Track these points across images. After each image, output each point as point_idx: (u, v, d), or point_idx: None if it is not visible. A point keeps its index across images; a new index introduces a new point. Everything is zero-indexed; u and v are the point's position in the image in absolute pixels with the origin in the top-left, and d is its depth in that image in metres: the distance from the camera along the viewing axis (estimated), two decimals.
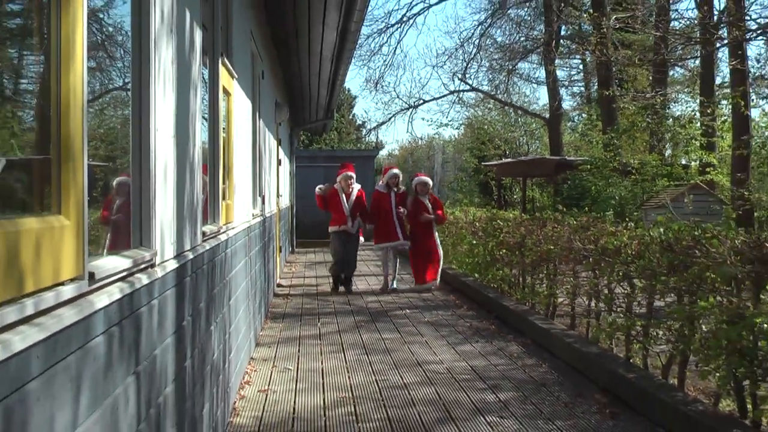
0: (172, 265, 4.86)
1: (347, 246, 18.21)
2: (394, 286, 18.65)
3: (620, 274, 10.01)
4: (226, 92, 8.84)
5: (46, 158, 2.90)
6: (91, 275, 3.22)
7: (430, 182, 19.14)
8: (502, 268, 15.87)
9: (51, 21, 2.90)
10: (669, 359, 8.73)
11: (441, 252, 18.82)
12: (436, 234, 18.79)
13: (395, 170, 19.13)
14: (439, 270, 18.78)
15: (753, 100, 32.93)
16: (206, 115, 7.51)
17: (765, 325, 6.84)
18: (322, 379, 9.86)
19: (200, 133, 6.39)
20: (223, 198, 8.39)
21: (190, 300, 5.53)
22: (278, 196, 20.46)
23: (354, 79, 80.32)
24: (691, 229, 8.98)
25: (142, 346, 4.02)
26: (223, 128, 8.60)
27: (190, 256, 5.55)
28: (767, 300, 7.14)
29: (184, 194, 5.43)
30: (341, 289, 18.64)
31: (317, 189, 18.68)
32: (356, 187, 18.78)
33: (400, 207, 18.36)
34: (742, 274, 7.31)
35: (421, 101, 46.81)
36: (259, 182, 13.64)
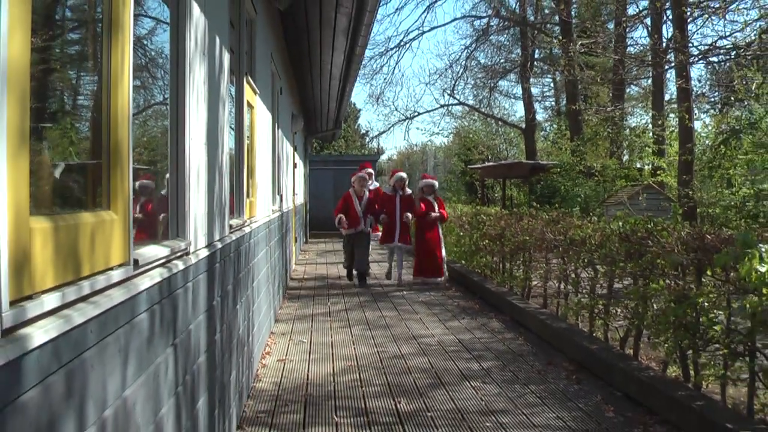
0: (204, 253, 4.88)
1: (358, 248, 16.59)
2: (402, 277, 17.06)
3: (585, 260, 10.04)
4: (250, 106, 8.86)
5: (98, 163, 2.93)
6: (136, 262, 3.24)
7: (436, 184, 17.25)
8: (485, 255, 15.89)
9: (103, 47, 2.93)
10: (626, 333, 8.75)
11: (444, 251, 16.91)
12: (441, 232, 16.90)
13: (402, 174, 17.36)
14: (444, 267, 16.77)
15: (696, 114, 32.91)
16: (233, 126, 7.52)
17: (705, 304, 6.87)
18: (332, 350, 9.88)
19: (228, 141, 6.41)
20: (247, 196, 8.40)
21: (219, 283, 5.55)
22: (294, 194, 20.44)
23: (359, 95, 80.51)
24: (645, 223, 9.01)
25: (178, 322, 4.04)
26: (247, 136, 8.62)
27: (219, 245, 5.57)
28: (707, 283, 7.16)
29: (213, 193, 5.46)
30: (355, 281, 17.13)
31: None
32: (374, 185, 17.88)
33: (406, 214, 16.53)
34: (687, 261, 7.33)
35: (416, 113, 46.71)
36: (278, 182, 13.65)
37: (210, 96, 5.31)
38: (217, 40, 5.74)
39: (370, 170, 17.87)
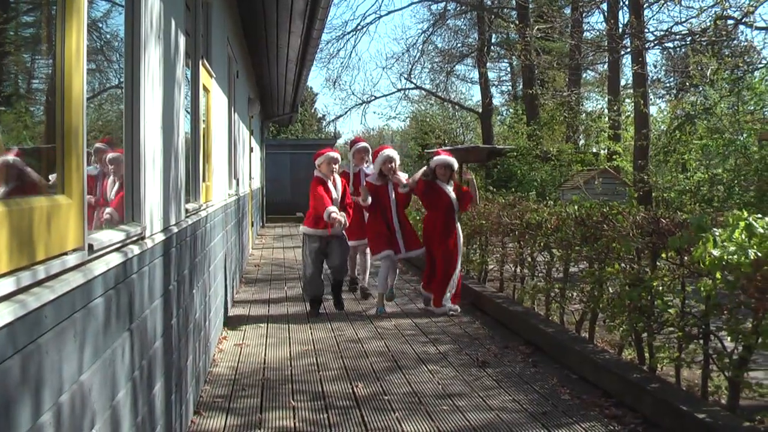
0: (160, 237, 4.87)
1: (331, 256, 11.55)
2: (382, 308, 11.48)
3: (541, 244, 10.10)
4: (206, 89, 8.82)
5: (52, 147, 2.92)
6: (90, 246, 3.23)
7: (456, 164, 11.66)
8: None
9: (57, 30, 2.91)
10: (581, 316, 8.82)
11: (459, 267, 11.60)
12: (460, 235, 11.58)
13: (389, 151, 11.94)
14: (458, 286, 11.62)
15: (651, 99, 33.18)
16: (189, 110, 7.49)
17: (660, 288, 6.94)
18: (288, 334, 9.88)
19: (183, 125, 6.38)
20: (203, 180, 8.37)
21: (175, 267, 5.53)
22: (251, 178, 20.36)
23: (315, 79, 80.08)
24: (600, 207, 9.07)
25: (135, 306, 4.03)
26: (203, 120, 8.59)
27: (175, 230, 5.55)
28: (662, 267, 7.23)
29: (169, 177, 5.43)
30: (326, 309, 11.74)
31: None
32: (369, 168, 12.77)
33: (402, 182, 11.76)
34: (642, 245, 7.39)
35: (373, 97, 46.69)
36: (234, 166, 13.61)
37: (165, 79, 5.29)
38: (173, 23, 5.71)
39: (364, 145, 13.37)
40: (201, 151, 8.10)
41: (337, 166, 11.46)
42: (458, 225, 11.63)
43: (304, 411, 6.72)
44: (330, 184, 11.32)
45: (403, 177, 11.91)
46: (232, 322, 10.61)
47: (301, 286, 12.87)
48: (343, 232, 11.61)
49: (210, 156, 9.14)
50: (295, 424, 6.40)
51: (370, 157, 12.98)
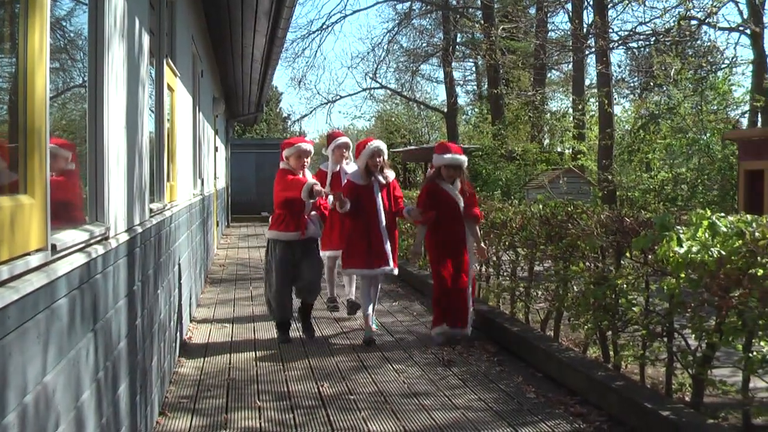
0: (124, 237, 4.84)
1: (305, 266, 9.56)
2: (369, 332, 9.44)
3: (506, 243, 10.15)
4: (170, 89, 8.78)
5: (14, 146, 2.90)
6: (54, 246, 3.21)
7: (465, 162, 9.66)
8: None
9: (20, 28, 2.89)
10: (546, 315, 8.86)
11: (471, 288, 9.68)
12: (472, 248, 9.63)
13: (377, 143, 9.85)
14: (471, 310, 9.59)
15: (615, 99, 33.40)
16: (153, 109, 7.46)
17: (624, 286, 6.99)
18: (254, 334, 9.87)
19: (148, 124, 6.35)
20: (168, 179, 8.34)
21: (139, 268, 5.50)
22: (215, 178, 20.30)
23: (281, 78, 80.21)
24: (565, 206, 9.12)
25: (99, 307, 4.01)
26: (168, 120, 8.54)
27: (140, 230, 5.52)
28: (627, 265, 7.28)
29: (133, 176, 5.41)
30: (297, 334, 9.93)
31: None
32: (351, 165, 10.97)
33: (408, 209, 9.83)
34: (606, 244, 7.44)
35: (338, 97, 46.57)
36: (199, 166, 13.56)
37: (129, 79, 5.26)
38: (137, 21, 5.68)
39: (346, 140, 11.30)
40: (165, 150, 8.07)
41: (308, 161, 9.56)
42: (469, 236, 9.54)
43: (270, 411, 6.71)
44: (296, 176, 9.35)
45: (391, 175, 9.95)
46: (197, 323, 10.58)
47: (267, 304, 9.95)
48: (319, 239, 9.95)
49: (174, 155, 9.11)
50: (260, 424, 6.39)
51: (352, 154, 10.98)
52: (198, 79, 13.15)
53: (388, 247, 9.55)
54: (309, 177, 9.60)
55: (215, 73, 18.79)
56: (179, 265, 8.84)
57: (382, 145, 9.90)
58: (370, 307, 9.62)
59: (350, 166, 10.83)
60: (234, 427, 6.34)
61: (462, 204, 9.47)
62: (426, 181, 10.10)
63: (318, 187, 9.17)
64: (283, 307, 9.57)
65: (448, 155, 9.48)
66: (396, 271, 9.98)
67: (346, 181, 10.06)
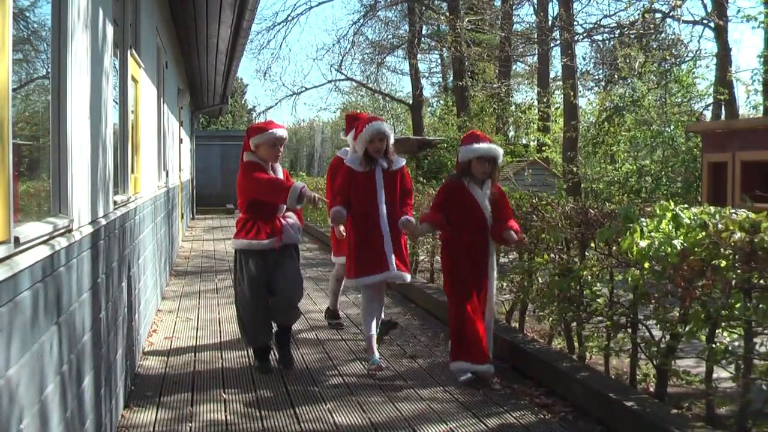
0: (88, 230, 4.81)
1: (281, 281, 7.80)
2: (376, 359, 7.70)
3: None
4: (134, 80, 8.74)
5: None
6: (17, 239, 3.19)
7: (501, 155, 7.85)
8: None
9: None
10: (511, 306, 8.89)
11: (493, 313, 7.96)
12: (494, 266, 7.95)
13: (377, 125, 7.94)
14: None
15: (580, 91, 33.65)
16: (117, 100, 7.42)
17: (589, 278, 7.03)
18: (220, 327, 9.84)
19: (112, 116, 6.32)
20: (132, 171, 8.30)
21: (103, 260, 5.47)
22: (180, 170, 20.21)
23: (246, 69, 79.90)
24: (530, 198, 9.15)
25: (63, 300, 3.98)
26: (132, 111, 8.50)
27: (104, 222, 5.49)
28: (591, 257, 7.32)
29: (97, 169, 5.38)
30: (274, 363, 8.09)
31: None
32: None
33: (404, 219, 7.90)
34: (571, 235, 7.48)
35: (304, 89, 46.49)
36: (164, 158, 13.50)
37: (93, 70, 5.23)
38: (101, 12, 5.64)
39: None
40: (130, 142, 8.04)
41: (283, 150, 8.04)
42: (492, 252, 7.85)
43: (235, 404, 6.70)
44: (266, 169, 7.77)
45: (400, 161, 8.29)
46: (162, 315, 10.53)
47: (240, 328, 8.11)
48: (297, 245, 8.15)
49: (139, 147, 9.06)
50: (226, 417, 6.38)
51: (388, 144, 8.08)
52: (162, 71, 13.09)
53: (388, 247, 7.86)
54: (279, 171, 7.98)
55: (180, 65, 18.70)
56: (144, 257, 8.80)
57: (385, 127, 7.99)
58: (373, 325, 8.04)
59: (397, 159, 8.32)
60: (199, 420, 6.32)
61: (488, 209, 7.64)
62: (448, 179, 8.25)
63: (309, 192, 7.48)
64: (261, 330, 7.83)
65: (482, 145, 7.57)
66: (407, 278, 8.20)
67: (344, 168, 8.20)
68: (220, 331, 9.57)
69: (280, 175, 7.93)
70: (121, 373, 6.35)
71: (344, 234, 8.33)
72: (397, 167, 8.17)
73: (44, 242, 3.73)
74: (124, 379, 6.56)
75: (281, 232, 7.76)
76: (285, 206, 7.78)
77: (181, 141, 20.68)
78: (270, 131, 7.70)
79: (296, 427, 6.18)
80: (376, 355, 7.80)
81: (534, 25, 32.86)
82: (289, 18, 39.56)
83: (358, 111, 9.98)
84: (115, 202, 6.41)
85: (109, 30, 6.19)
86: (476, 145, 7.55)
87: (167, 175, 14.17)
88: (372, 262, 7.87)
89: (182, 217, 21.29)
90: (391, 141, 8.05)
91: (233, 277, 8.37)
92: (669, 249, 5.69)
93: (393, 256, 7.89)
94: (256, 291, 7.72)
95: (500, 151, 7.76)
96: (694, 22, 28.56)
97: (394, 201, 8.01)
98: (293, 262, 8.00)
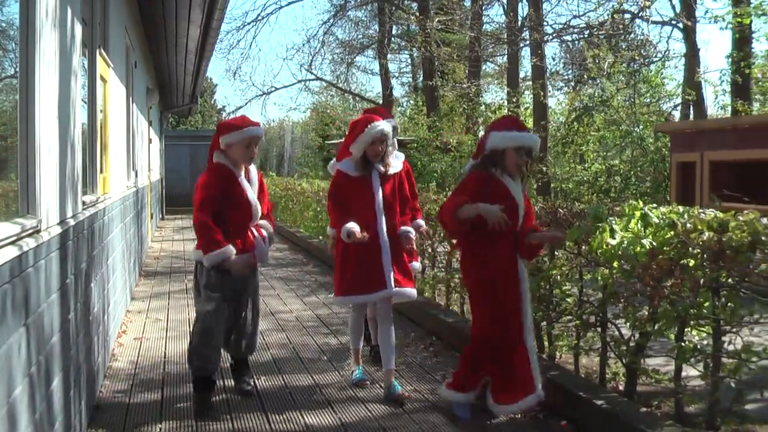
0: (56, 230, 4.79)
1: (240, 308, 7.00)
2: (359, 374, 7.37)
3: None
4: (103, 79, 8.70)
5: None
6: None
7: (538, 143, 6.61)
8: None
9: None
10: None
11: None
12: (525, 278, 6.44)
13: (381, 126, 7.00)
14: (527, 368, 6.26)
15: (550, 91, 33.78)
16: (86, 100, 7.39)
17: (558, 277, 7.06)
18: (189, 327, 9.78)
19: (80, 115, 6.28)
20: (101, 171, 8.26)
21: (72, 261, 5.44)
22: (149, 170, 20.13)
23: (215, 69, 79.71)
24: None
25: (31, 301, 3.96)
26: (101, 111, 8.46)
27: (72, 222, 5.46)
28: (560, 256, 7.34)
29: (66, 169, 5.34)
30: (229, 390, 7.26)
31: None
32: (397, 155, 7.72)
33: (404, 230, 7.15)
34: None
35: (273, 89, 46.31)
36: (133, 158, 13.45)
37: (61, 69, 5.20)
38: (69, 10, 5.61)
39: (383, 128, 7.06)
40: (98, 142, 8.00)
41: (258, 149, 6.92)
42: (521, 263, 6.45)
43: None
44: (242, 179, 6.80)
45: (397, 162, 7.49)
46: (131, 316, 10.48)
47: (188, 352, 6.86)
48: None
49: (108, 147, 9.02)
50: (196, 417, 6.36)
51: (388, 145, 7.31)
52: (131, 70, 13.04)
53: (387, 262, 6.96)
54: (254, 173, 7.00)
55: (149, 64, 18.61)
56: (113, 257, 8.76)
57: (388, 128, 7.11)
58: (361, 341, 7.59)
59: (395, 160, 7.51)
60: (169, 421, 6.29)
61: (521, 213, 6.38)
62: (473, 168, 6.51)
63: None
64: (207, 356, 6.72)
65: (521, 133, 6.27)
66: (412, 294, 7.20)
67: (335, 171, 7.42)
68: (189, 332, 9.52)
69: (255, 179, 6.95)
70: (90, 374, 6.32)
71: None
72: (395, 171, 7.30)
73: (12, 243, 3.70)
74: (93, 380, 6.53)
75: (255, 247, 6.82)
76: (258, 212, 6.88)
77: (150, 141, 20.59)
78: (245, 129, 6.71)
79: (266, 427, 6.17)
80: (360, 370, 7.39)
81: (504, 25, 32.93)
82: (259, 18, 39.45)
83: (380, 111, 7.79)
84: (83, 203, 6.38)
85: (78, 29, 6.16)
86: (515, 134, 6.23)
87: (136, 175, 14.12)
88: (367, 279, 6.96)
89: (152, 218, 21.21)
90: (392, 138, 7.33)
91: (194, 296, 7.17)
92: (638, 248, 5.73)
93: (392, 273, 6.97)
94: (219, 313, 6.71)
95: (536, 140, 6.49)
96: (663, 23, 28.74)
97: (393, 208, 7.16)
98: (256, 280, 7.22)
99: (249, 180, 6.87)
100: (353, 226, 6.79)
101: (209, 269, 6.59)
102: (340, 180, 7.21)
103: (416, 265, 7.99)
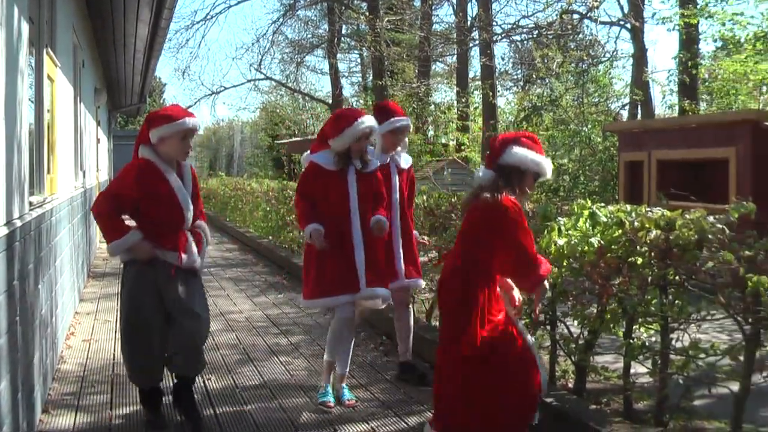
0: (3, 231, 4.74)
1: (178, 316, 5.99)
2: (347, 396, 6.77)
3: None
4: (51, 79, 8.61)
5: None
6: None
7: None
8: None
9: None
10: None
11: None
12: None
13: (370, 123, 6.65)
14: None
15: (499, 91, 33.97)
16: (32, 100, 7.31)
17: None
18: None
19: (27, 116, 6.22)
20: (48, 172, 8.19)
21: (19, 262, 5.39)
22: (98, 170, 19.96)
23: (164, 68, 79.05)
24: (449, 197, 9.22)
25: None
26: (48, 111, 8.38)
27: (19, 223, 5.40)
28: None
29: (12, 169, 5.29)
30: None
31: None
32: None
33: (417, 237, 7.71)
34: None
35: (223, 88, 46.03)
36: (81, 158, 13.34)
37: (8, 68, 5.14)
38: (15, 9, 5.55)
39: (407, 122, 7.52)
40: (45, 142, 7.93)
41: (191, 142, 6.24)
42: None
43: None
44: (174, 178, 6.12)
45: (405, 160, 7.63)
46: (80, 317, 10.40)
47: (125, 361, 6.31)
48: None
49: (55, 147, 8.94)
50: (146, 419, 6.32)
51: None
52: (79, 70, 12.92)
53: (360, 259, 6.61)
54: (187, 170, 6.35)
55: (97, 64, 18.46)
56: (61, 259, 8.68)
57: (375, 126, 6.81)
58: (341, 355, 6.91)
59: (403, 156, 7.63)
60: (118, 424, 6.26)
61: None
62: (499, 195, 5.26)
63: (144, 246, 6.05)
64: (147, 366, 6.17)
65: (545, 161, 5.55)
66: (387, 294, 6.81)
67: (308, 163, 6.89)
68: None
69: (188, 176, 6.30)
70: (38, 377, 6.25)
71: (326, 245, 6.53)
72: (371, 169, 6.83)
73: None
74: (41, 383, 6.47)
75: (185, 248, 6.16)
76: (191, 214, 6.23)
77: (98, 141, 20.43)
78: (180, 120, 6.05)
79: (216, 429, 6.15)
80: (329, 389, 6.80)
81: (453, 25, 33.10)
82: (208, 17, 39.27)
83: (355, 110, 7.28)
84: (30, 203, 6.31)
85: (25, 28, 6.09)
86: (539, 161, 5.49)
87: (84, 176, 14.00)
88: (339, 282, 6.59)
89: None
90: (371, 136, 6.89)
91: (119, 302, 6.48)
92: (586, 247, 5.78)
93: (365, 273, 6.59)
94: (146, 317, 6.02)
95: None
96: (611, 23, 29.05)
97: (367, 209, 6.70)
98: (198, 286, 6.35)
99: (182, 177, 6.20)
100: (317, 228, 6.47)
101: (126, 267, 6.22)
102: (312, 172, 6.75)
103: (419, 282, 7.58)
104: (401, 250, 7.20)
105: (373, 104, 7.64)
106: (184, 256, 6.08)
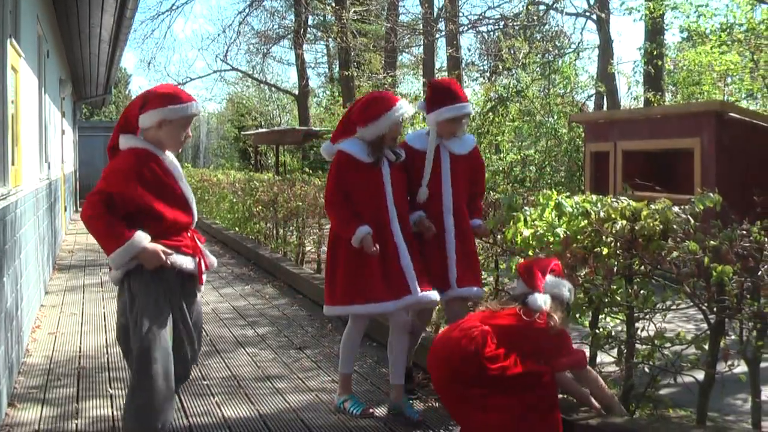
0: None
1: (181, 327, 5.12)
2: (357, 404, 6.20)
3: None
4: (14, 70, 8.54)
5: None
6: None
7: None
8: (258, 222, 15.92)
9: None
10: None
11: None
12: None
13: (406, 108, 6.05)
14: None
15: (465, 81, 34.03)
16: None
17: None
18: (105, 321, 9.70)
19: None
20: (12, 164, 8.13)
21: None
22: (63, 162, 19.83)
23: (129, 59, 78.45)
24: None
25: None
26: (12, 102, 8.31)
27: None
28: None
29: None
30: None
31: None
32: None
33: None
34: None
35: (189, 79, 46.01)
36: (45, 150, 13.24)
37: None
38: None
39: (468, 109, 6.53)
40: (9, 133, 7.86)
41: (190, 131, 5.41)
42: None
43: (122, 399, 6.59)
44: (167, 164, 5.18)
45: (463, 144, 6.53)
46: (45, 310, 10.33)
47: (139, 406, 4.86)
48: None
49: (19, 139, 8.87)
50: (112, 412, 6.30)
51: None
52: (44, 60, 12.82)
53: (406, 262, 5.93)
54: (178, 164, 5.37)
55: (62, 54, 18.33)
56: (26, 251, 8.62)
57: (411, 109, 6.24)
58: (352, 366, 6.56)
59: (463, 139, 6.55)
60: (85, 416, 6.23)
61: None
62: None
63: (153, 248, 4.87)
64: (165, 405, 4.90)
65: None
66: (434, 297, 6.11)
67: (337, 154, 6.08)
68: (105, 325, 9.43)
69: (180, 169, 5.33)
70: (3, 371, 6.22)
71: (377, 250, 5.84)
72: (402, 160, 6.17)
73: None
74: (7, 377, 6.43)
75: (203, 253, 5.44)
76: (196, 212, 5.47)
77: (63, 132, 20.29)
78: (188, 103, 5.22)
79: (184, 422, 6.13)
80: (355, 397, 6.35)
81: (419, 16, 33.11)
82: (174, 7, 39.12)
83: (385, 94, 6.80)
84: None
85: None
86: None
87: (49, 167, 13.90)
88: (380, 289, 5.92)
89: (65, 210, 20.94)
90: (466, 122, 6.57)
91: (118, 315, 5.19)
92: (552, 237, 5.80)
93: (415, 276, 5.94)
94: (162, 339, 4.91)
95: None
96: (577, 14, 29.19)
97: (402, 205, 6.12)
98: (199, 306, 5.63)
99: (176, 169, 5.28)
100: (370, 232, 5.80)
101: (130, 278, 4.94)
102: (345, 163, 6.00)
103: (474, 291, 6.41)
104: (454, 253, 6.25)
105: (429, 82, 6.45)
106: (211, 259, 5.50)
